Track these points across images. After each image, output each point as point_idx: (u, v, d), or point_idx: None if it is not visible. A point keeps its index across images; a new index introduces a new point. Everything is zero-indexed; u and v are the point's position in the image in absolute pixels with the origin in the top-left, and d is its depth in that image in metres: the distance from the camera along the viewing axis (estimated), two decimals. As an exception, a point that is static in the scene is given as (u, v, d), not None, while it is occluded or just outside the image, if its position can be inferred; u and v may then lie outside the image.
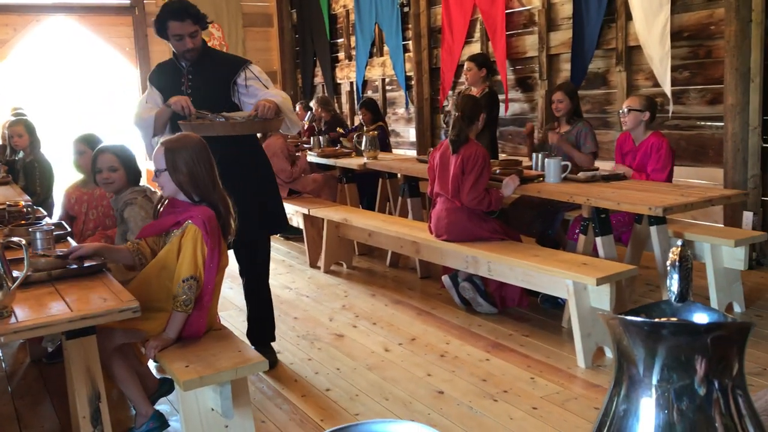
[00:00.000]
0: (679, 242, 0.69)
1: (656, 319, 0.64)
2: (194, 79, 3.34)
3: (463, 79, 7.07)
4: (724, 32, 4.67)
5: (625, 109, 4.30)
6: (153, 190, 3.28)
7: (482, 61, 5.56)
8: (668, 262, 0.68)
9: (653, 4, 5.06)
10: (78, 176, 3.88)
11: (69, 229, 3.31)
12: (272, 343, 3.61)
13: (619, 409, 0.65)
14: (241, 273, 3.57)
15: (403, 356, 3.61)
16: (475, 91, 5.45)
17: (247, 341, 3.47)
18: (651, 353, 0.62)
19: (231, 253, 3.35)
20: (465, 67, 5.58)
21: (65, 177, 3.99)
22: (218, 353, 2.52)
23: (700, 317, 0.67)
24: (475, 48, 6.83)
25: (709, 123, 4.99)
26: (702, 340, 0.61)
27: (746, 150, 4.67)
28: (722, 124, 4.78)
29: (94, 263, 2.62)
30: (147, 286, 2.60)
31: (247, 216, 3.31)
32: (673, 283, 0.68)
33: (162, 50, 9.09)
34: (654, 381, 0.63)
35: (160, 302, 2.58)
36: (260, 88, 3.32)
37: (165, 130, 3.30)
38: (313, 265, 5.51)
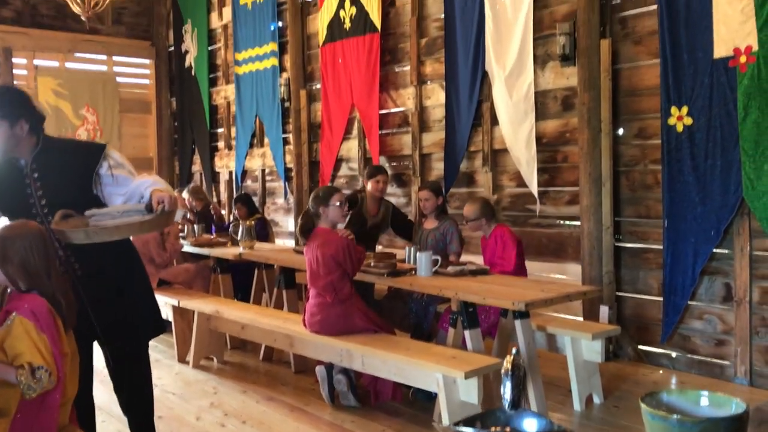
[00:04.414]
0: (514, 350, 0.74)
1: (488, 429, 0.68)
2: (43, 177, 2.89)
3: (341, 173, 7.28)
4: (578, 140, 5.11)
5: (464, 221, 4.69)
6: None
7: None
8: (502, 371, 0.72)
9: (519, 113, 5.47)
10: None
11: None
12: None
13: None
14: (117, 388, 3.19)
15: (273, 456, 3.48)
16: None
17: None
18: (483, 461, 0.65)
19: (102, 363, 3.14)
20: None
21: None
22: (67, 460, 2.33)
23: (530, 423, 0.71)
24: (353, 144, 7.05)
25: (568, 222, 5.36)
26: (528, 447, 0.65)
27: (601, 248, 5.03)
28: (579, 223, 5.15)
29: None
30: None
31: (126, 326, 3.06)
32: (506, 391, 0.72)
33: None
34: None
35: None
36: (129, 176, 3.00)
37: None
38: (182, 359, 5.27)
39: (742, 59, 4.29)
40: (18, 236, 2.50)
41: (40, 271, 2.48)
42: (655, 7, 4.71)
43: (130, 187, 2.96)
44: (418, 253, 4.33)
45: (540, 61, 5.40)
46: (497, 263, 4.54)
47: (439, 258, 4.32)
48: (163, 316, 5.40)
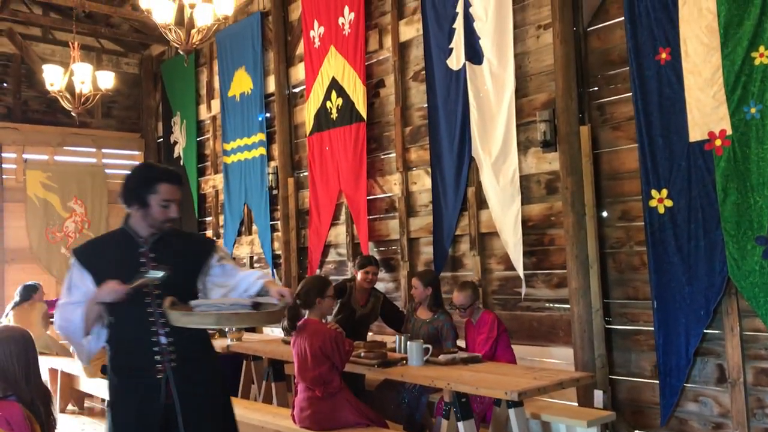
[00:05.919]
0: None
1: None
2: (160, 258, 2.88)
3: (330, 258, 7.28)
4: (563, 223, 5.17)
5: (455, 308, 4.80)
6: None
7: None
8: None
9: (506, 196, 5.55)
10: None
11: None
12: None
13: None
14: None
15: None
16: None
17: None
18: None
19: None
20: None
21: None
22: None
23: None
24: (340, 230, 7.09)
25: (557, 305, 5.35)
26: None
27: (591, 331, 5.00)
28: (568, 306, 5.14)
29: None
30: None
31: (216, 426, 2.93)
32: None
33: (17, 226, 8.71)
34: None
35: None
36: (236, 268, 3.05)
37: (98, 322, 2.81)
38: (168, 458, 5.09)
39: (718, 143, 4.41)
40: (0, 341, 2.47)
41: (19, 378, 2.45)
42: (630, 94, 4.87)
43: (236, 279, 2.99)
44: (408, 342, 4.29)
45: (522, 147, 5.52)
46: (478, 348, 4.58)
47: (429, 347, 4.28)
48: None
